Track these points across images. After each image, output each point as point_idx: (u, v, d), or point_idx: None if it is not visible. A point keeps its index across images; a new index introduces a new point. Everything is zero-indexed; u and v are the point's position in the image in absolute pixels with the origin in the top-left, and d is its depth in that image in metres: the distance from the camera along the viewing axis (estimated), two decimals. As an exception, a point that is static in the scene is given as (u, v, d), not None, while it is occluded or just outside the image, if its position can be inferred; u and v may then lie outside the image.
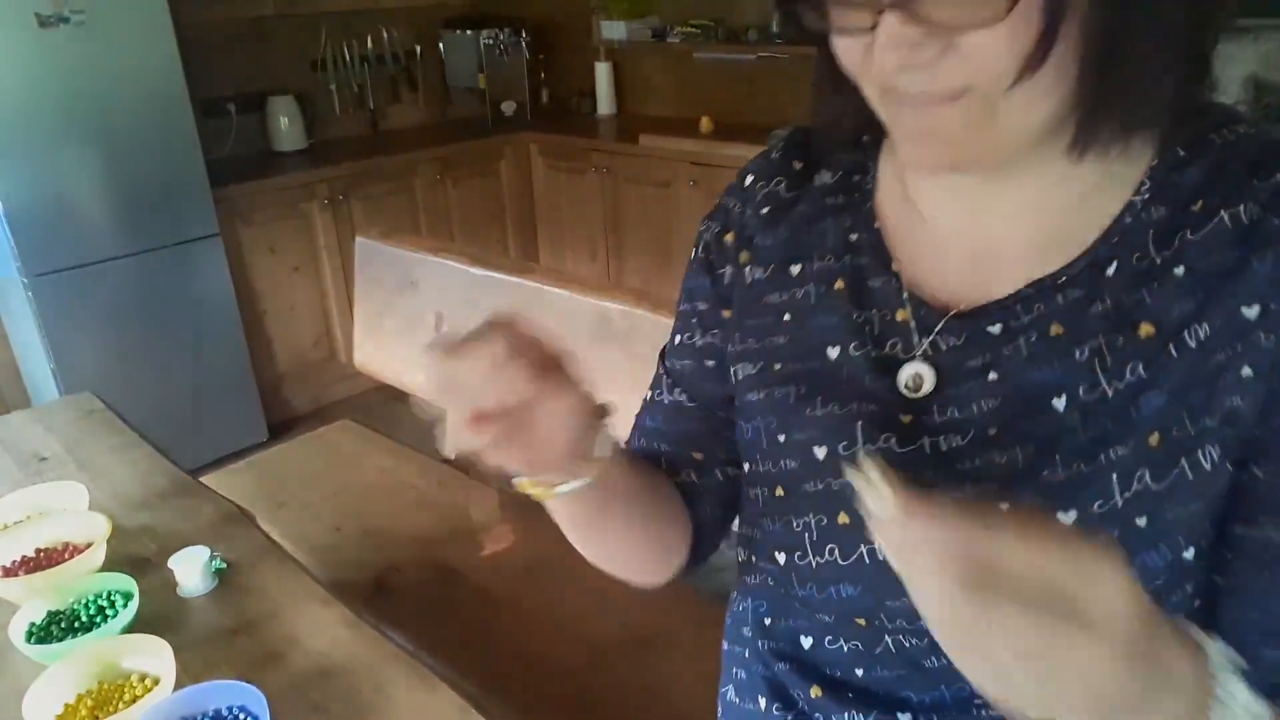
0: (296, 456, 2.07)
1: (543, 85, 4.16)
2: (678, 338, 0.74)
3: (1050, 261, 0.55)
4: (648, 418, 0.76)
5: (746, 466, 0.67)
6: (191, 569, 1.14)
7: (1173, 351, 0.50)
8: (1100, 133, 0.50)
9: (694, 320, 0.72)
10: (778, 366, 0.64)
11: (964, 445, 0.56)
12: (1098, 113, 0.48)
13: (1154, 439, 0.51)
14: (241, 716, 0.88)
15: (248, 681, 0.89)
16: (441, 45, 3.99)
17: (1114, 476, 0.51)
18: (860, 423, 0.59)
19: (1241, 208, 0.50)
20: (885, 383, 0.59)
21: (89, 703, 0.92)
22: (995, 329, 0.56)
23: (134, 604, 1.05)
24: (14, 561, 1.18)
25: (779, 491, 0.64)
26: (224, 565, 1.19)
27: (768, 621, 0.69)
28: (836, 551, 0.60)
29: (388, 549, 1.72)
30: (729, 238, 0.70)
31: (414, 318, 1.94)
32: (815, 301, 0.64)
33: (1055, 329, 0.54)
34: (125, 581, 1.09)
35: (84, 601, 1.08)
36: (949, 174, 0.55)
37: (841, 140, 0.66)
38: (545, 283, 1.63)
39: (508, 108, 4.02)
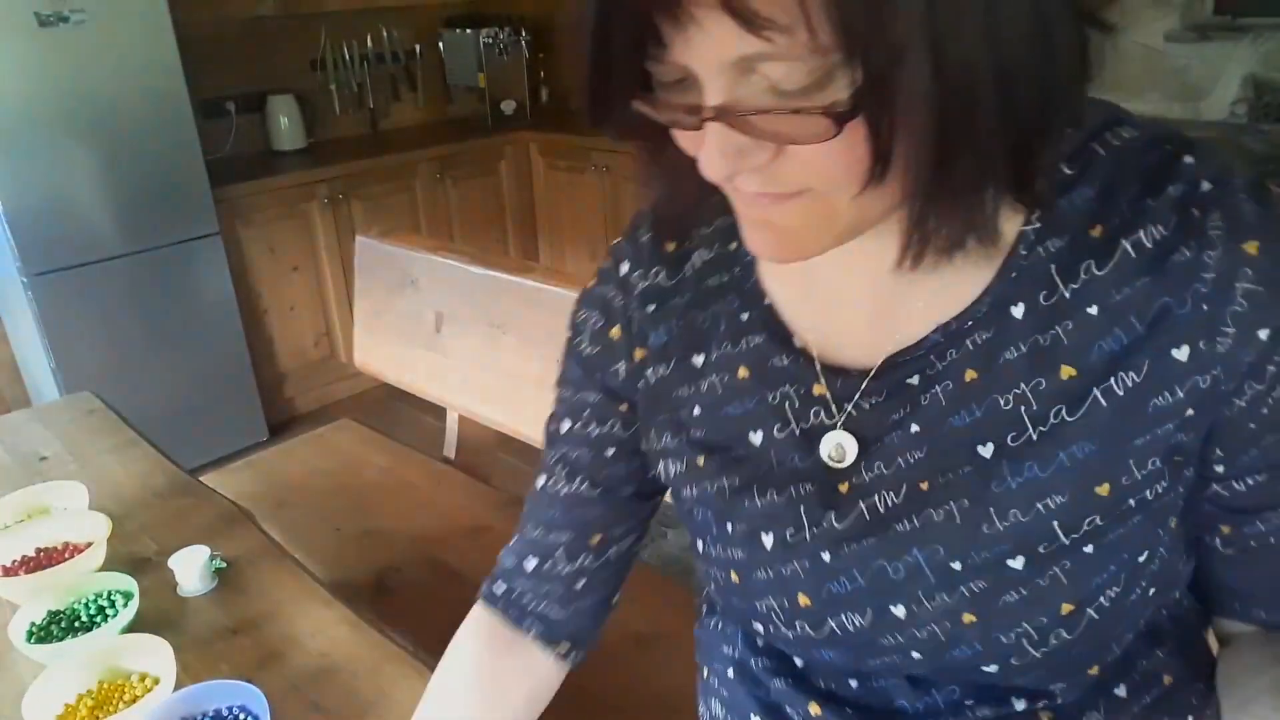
0: (296, 456, 2.07)
1: (543, 84, 4.16)
2: (567, 424, 0.72)
3: (952, 304, 0.53)
4: (544, 509, 0.73)
5: (700, 545, 0.65)
6: (191, 569, 1.14)
7: (1101, 400, 0.50)
8: (933, 238, 0.46)
9: (585, 411, 0.70)
10: (702, 461, 0.62)
11: (900, 504, 0.54)
12: (926, 220, 0.45)
13: (1103, 490, 0.50)
14: (241, 716, 0.88)
15: (248, 681, 0.89)
16: (441, 44, 3.99)
17: (1055, 524, 0.51)
18: (803, 507, 0.57)
19: (1141, 233, 0.49)
20: (815, 458, 0.58)
21: (89, 703, 0.92)
22: (914, 380, 0.54)
23: (134, 604, 1.05)
24: (14, 561, 1.18)
25: (734, 577, 0.62)
26: (224, 565, 1.19)
27: (760, 642, 0.68)
28: (807, 627, 0.59)
29: (388, 549, 1.72)
30: (615, 333, 0.67)
31: (414, 317, 1.94)
32: (723, 392, 0.61)
33: (970, 374, 0.53)
34: (125, 581, 1.09)
35: (84, 601, 1.08)
36: (794, 264, 0.52)
37: (707, 205, 0.61)
38: (545, 282, 1.63)
39: (508, 107, 4.02)
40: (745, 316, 0.61)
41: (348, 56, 3.71)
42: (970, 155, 0.41)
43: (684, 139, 0.48)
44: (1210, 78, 2.57)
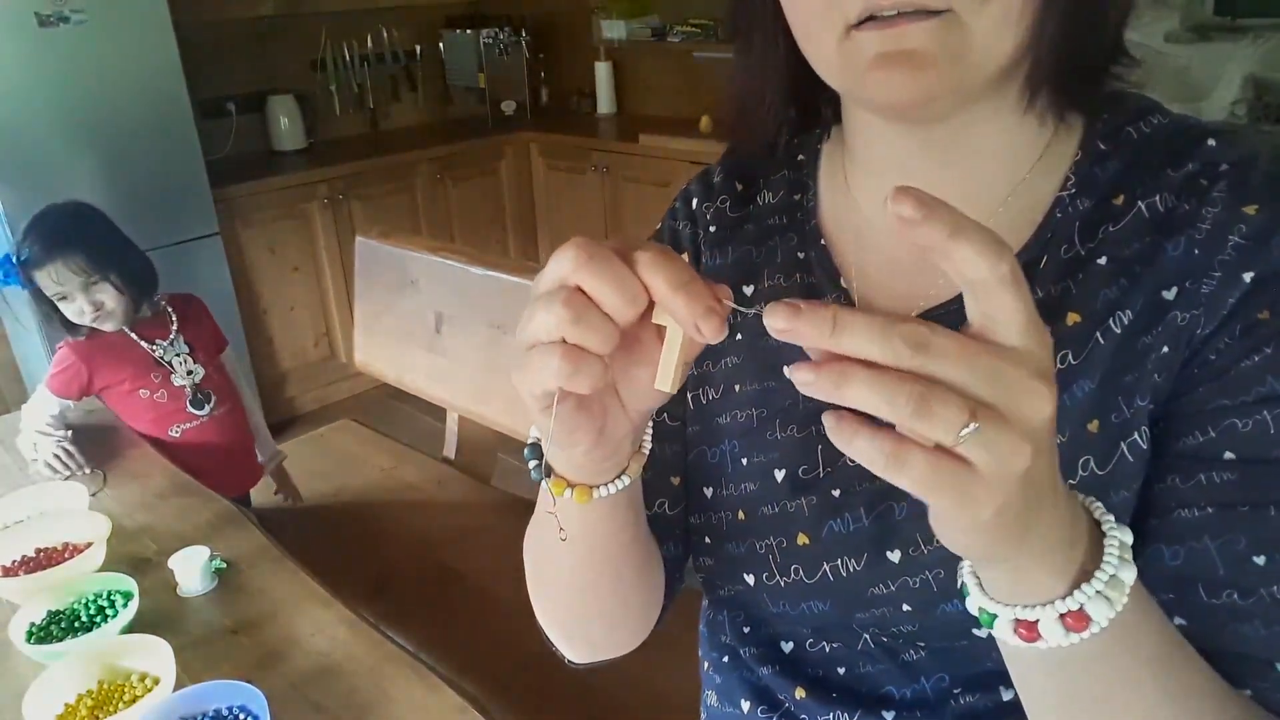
0: (296, 456, 2.07)
1: (543, 85, 4.16)
2: None
3: None
4: None
5: (710, 491, 0.66)
6: (191, 569, 1.14)
7: (1100, 339, 0.51)
8: (1052, 72, 0.50)
9: None
10: (738, 389, 0.64)
11: None
12: (1056, 46, 0.49)
13: (1093, 426, 0.51)
14: (241, 716, 0.88)
15: (248, 681, 0.90)
16: (441, 45, 3.99)
17: None
18: (820, 446, 0.59)
19: (1158, 198, 0.52)
20: None
21: (89, 703, 0.92)
22: None
23: (134, 604, 1.05)
24: (14, 561, 1.18)
25: (740, 515, 0.63)
26: (224, 565, 1.19)
27: (746, 630, 0.69)
28: (801, 571, 0.60)
29: (388, 549, 1.72)
30: (684, 257, 0.68)
31: (414, 318, 1.94)
32: None
33: None
34: (125, 581, 1.09)
35: (84, 601, 1.08)
36: (917, 109, 0.51)
37: (775, 160, 0.67)
38: (545, 283, 1.63)
39: (508, 107, 4.02)
40: (801, 254, 0.64)
41: (348, 56, 3.71)
42: None
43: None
44: (1210, 78, 2.57)
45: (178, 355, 1.76)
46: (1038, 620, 0.39)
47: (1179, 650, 0.44)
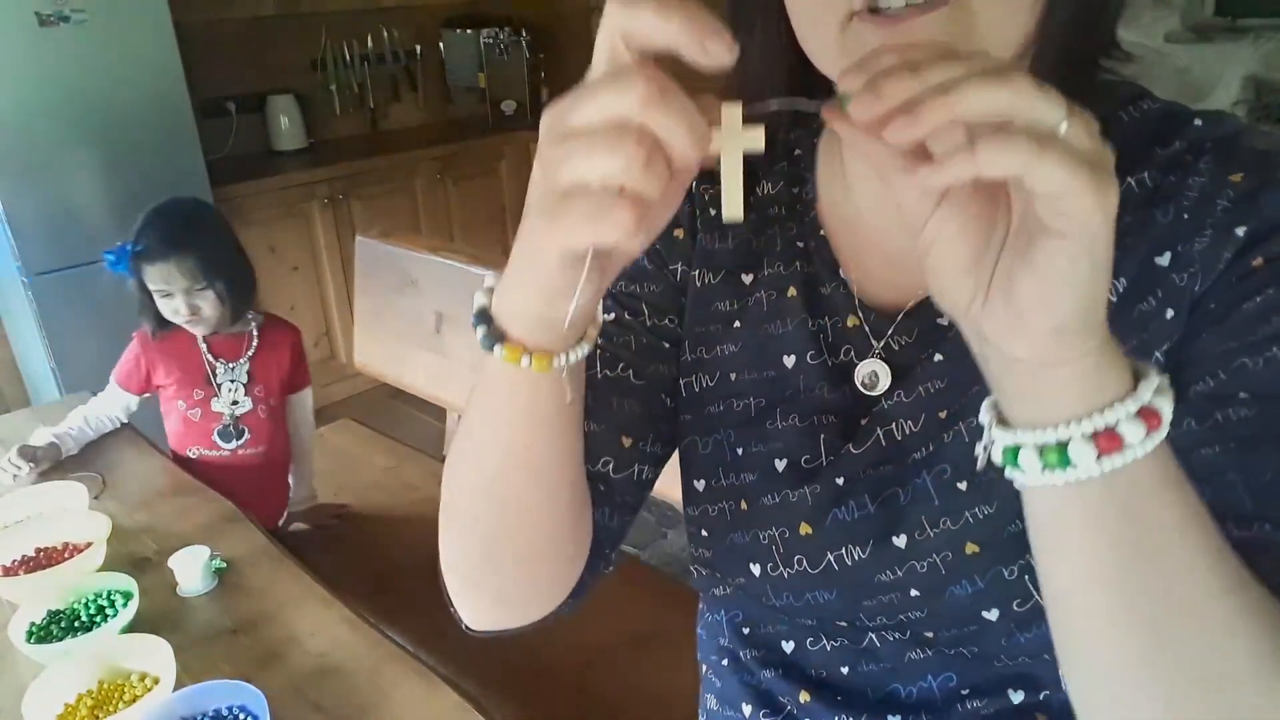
0: (296, 456, 2.07)
1: (543, 84, 4.16)
2: (614, 314, 0.66)
3: None
4: None
5: (702, 484, 0.65)
6: (191, 569, 1.14)
7: None
8: (1051, 63, 0.50)
9: (640, 302, 0.66)
10: (734, 377, 0.64)
11: (918, 431, 0.57)
12: (1061, 36, 0.49)
13: None
14: (241, 716, 0.88)
15: (248, 681, 0.90)
16: (441, 45, 3.99)
17: None
18: (823, 435, 0.60)
19: (1145, 174, 0.53)
20: (842, 391, 0.60)
21: (89, 703, 0.92)
22: (943, 320, 0.57)
23: (134, 604, 1.05)
24: (14, 561, 1.19)
25: (742, 505, 0.63)
26: (224, 565, 1.19)
27: (746, 630, 0.69)
28: (805, 562, 0.60)
29: (388, 548, 1.72)
30: (679, 233, 0.67)
31: (414, 317, 1.94)
32: (768, 309, 0.63)
33: None
34: (125, 581, 1.09)
35: (84, 601, 1.08)
36: None
37: (772, 152, 0.66)
38: (545, 283, 1.63)
39: (508, 107, 4.02)
40: (801, 244, 0.64)
41: (348, 56, 3.71)
42: None
43: None
44: (1210, 78, 2.58)
45: (231, 382, 1.67)
46: (1116, 422, 0.38)
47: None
